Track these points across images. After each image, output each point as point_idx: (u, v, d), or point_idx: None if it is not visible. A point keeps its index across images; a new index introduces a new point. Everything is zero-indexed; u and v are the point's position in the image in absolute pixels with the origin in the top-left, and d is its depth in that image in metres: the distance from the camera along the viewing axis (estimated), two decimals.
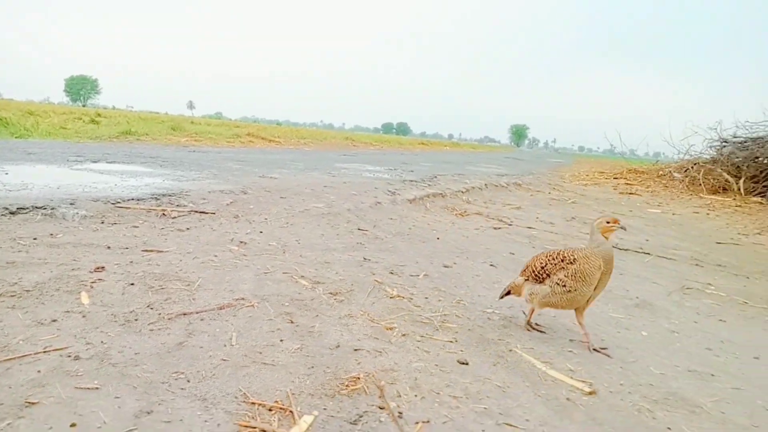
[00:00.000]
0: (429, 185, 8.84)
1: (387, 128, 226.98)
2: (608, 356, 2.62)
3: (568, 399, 2.11)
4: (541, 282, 2.69)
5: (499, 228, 6.00)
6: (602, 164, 28.83)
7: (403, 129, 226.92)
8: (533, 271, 2.74)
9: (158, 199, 4.70)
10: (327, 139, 29.80)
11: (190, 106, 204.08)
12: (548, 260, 2.70)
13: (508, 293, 2.93)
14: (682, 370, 2.56)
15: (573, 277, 2.57)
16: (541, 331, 2.83)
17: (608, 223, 2.61)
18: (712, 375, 2.55)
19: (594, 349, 2.66)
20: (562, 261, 2.64)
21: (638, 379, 2.38)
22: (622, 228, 2.62)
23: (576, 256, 2.61)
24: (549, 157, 51.94)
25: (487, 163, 22.55)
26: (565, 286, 2.59)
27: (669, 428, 1.97)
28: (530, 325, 2.86)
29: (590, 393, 2.18)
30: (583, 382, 2.27)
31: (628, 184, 13.86)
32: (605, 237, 2.60)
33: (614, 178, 15.15)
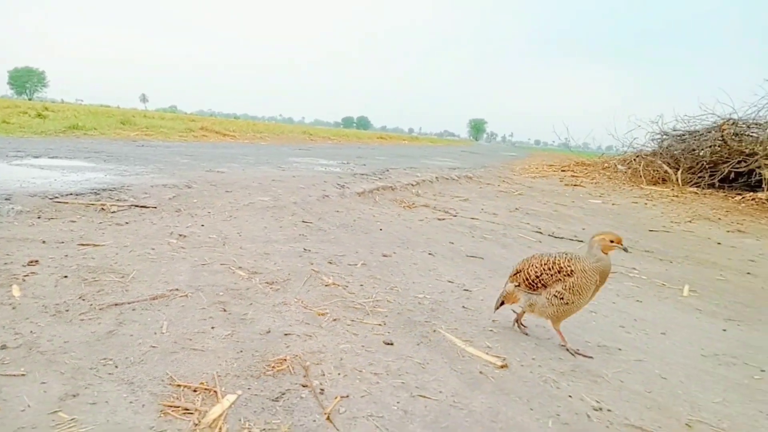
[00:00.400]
0: (380, 178, 8.99)
1: (347, 122, 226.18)
2: (526, 334, 2.83)
3: (481, 372, 2.29)
4: (534, 290, 2.65)
5: (443, 219, 6.20)
6: (554, 157, 29.79)
7: (363, 123, 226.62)
8: (526, 279, 2.67)
9: (98, 194, 4.66)
10: (284, 133, 29.56)
11: (143, 99, 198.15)
12: (543, 270, 2.62)
13: (503, 303, 2.86)
14: (592, 345, 2.79)
15: (570, 290, 2.55)
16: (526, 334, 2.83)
17: (612, 242, 2.56)
18: (619, 349, 2.79)
19: (518, 325, 2.86)
20: (559, 272, 2.58)
21: (549, 354, 2.59)
22: (624, 249, 2.61)
23: (573, 268, 2.55)
24: (504, 151, 53.02)
25: (443, 156, 22.91)
26: (562, 298, 2.56)
27: (570, 396, 2.18)
28: (519, 324, 2.86)
29: (502, 366, 2.37)
30: (497, 357, 2.46)
31: (574, 176, 14.43)
32: (605, 253, 2.57)
33: (562, 171, 15.75)
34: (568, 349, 2.67)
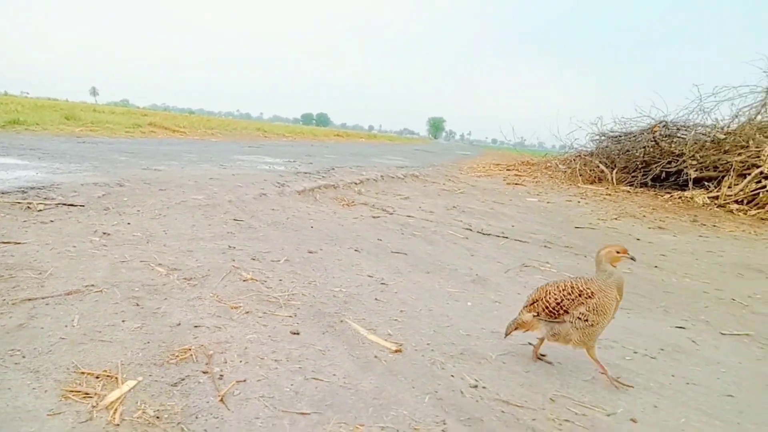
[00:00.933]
0: (323, 177, 9.16)
1: (306, 119, 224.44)
2: (550, 363, 2.78)
3: (375, 357, 2.53)
4: (556, 318, 2.61)
5: (378, 217, 6.43)
6: (505, 157, 30.61)
7: (323, 120, 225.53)
8: (546, 308, 2.63)
9: (25, 192, 4.65)
10: (238, 129, 29.23)
11: (93, 92, 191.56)
12: (564, 295, 2.59)
13: (516, 328, 2.77)
14: (486, 332, 3.06)
15: (594, 311, 2.52)
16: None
17: (618, 253, 2.60)
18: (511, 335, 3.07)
19: (537, 357, 2.79)
20: (580, 295, 2.56)
21: (444, 339, 2.85)
22: (631, 258, 2.65)
23: (593, 289, 2.55)
24: (459, 150, 53.96)
25: (396, 155, 23.25)
26: (587, 320, 2.53)
27: (452, 375, 2.44)
28: (538, 356, 2.78)
29: (396, 351, 2.61)
30: (395, 343, 2.70)
31: (518, 175, 15.01)
32: (614, 266, 2.60)
33: (507, 170, 16.33)
34: (608, 378, 2.62)
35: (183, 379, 2.09)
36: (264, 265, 3.74)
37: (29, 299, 2.60)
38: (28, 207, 4.28)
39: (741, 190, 10.74)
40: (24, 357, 2.08)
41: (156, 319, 2.60)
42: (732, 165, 11.26)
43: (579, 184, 13.14)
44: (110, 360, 2.15)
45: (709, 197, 11.14)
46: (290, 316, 2.88)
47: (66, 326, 2.38)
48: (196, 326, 2.59)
